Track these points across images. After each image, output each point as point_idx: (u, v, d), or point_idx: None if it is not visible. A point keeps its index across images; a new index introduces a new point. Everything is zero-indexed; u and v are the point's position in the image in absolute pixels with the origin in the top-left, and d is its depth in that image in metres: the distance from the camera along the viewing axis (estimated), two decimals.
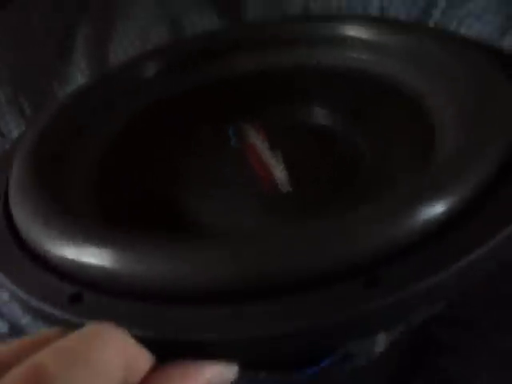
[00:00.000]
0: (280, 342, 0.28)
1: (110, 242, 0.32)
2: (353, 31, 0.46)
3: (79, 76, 0.71)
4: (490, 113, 0.35)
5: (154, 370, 0.27)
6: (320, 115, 0.46)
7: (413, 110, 0.41)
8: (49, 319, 0.31)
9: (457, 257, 0.28)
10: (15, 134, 0.69)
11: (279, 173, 0.40)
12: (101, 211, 0.38)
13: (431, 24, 0.64)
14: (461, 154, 0.33)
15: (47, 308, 0.31)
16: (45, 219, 0.35)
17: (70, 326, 0.29)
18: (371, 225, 0.30)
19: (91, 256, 0.32)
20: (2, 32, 0.75)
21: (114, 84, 0.48)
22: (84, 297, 0.31)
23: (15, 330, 0.54)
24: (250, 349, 0.28)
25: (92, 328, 0.27)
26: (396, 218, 0.30)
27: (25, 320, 0.54)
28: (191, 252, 0.31)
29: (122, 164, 0.43)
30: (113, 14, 0.74)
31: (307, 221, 0.31)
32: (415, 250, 0.29)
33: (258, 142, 0.43)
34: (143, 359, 0.27)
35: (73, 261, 0.33)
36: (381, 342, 0.37)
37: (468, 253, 0.28)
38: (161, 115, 0.47)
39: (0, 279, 0.34)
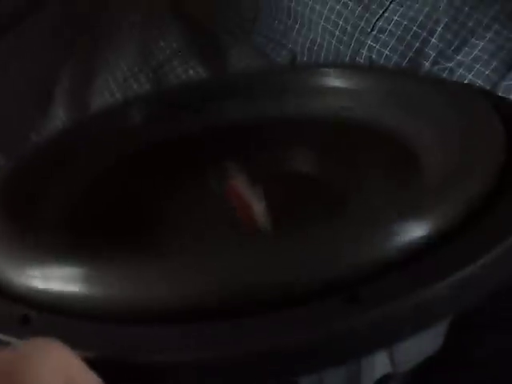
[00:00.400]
0: (236, 365, 0.26)
1: (57, 259, 0.31)
2: (338, 80, 0.45)
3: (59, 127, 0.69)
4: (474, 142, 0.34)
5: None
6: (305, 161, 0.45)
7: (398, 151, 0.40)
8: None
9: (436, 277, 0.27)
10: None
11: (259, 211, 0.38)
12: (67, 236, 0.37)
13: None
14: (442, 178, 0.33)
15: None
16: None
17: None
18: (349, 242, 0.29)
19: (39, 276, 0.31)
20: None
21: (97, 127, 0.46)
22: (32, 318, 0.29)
23: None
24: (205, 373, 0.26)
25: (31, 343, 0.24)
26: (374, 236, 0.29)
27: None
28: (148, 268, 0.29)
29: (98, 205, 0.41)
30: (94, 65, 0.73)
31: (282, 241, 0.30)
32: (395, 269, 0.28)
33: (241, 184, 0.41)
34: (88, 380, 0.24)
35: (21, 281, 0.31)
36: None
37: (444, 276, 0.27)
38: (141, 162, 0.45)
39: None
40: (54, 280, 0.30)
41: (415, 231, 0.29)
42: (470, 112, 0.37)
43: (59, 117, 0.70)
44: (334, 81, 0.46)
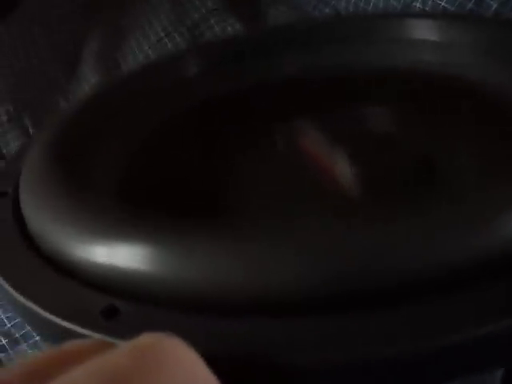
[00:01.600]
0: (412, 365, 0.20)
1: (152, 235, 0.25)
2: (414, 28, 0.41)
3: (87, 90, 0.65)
4: None
5: None
6: (383, 119, 0.40)
7: (494, 114, 0.35)
8: None
9: None
10: None
11: (344, 170, 0.33)
12: (128, 205, 0.30)
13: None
14: None
15: (75, 328, 0.23)
16: (63, 213, 0.28)
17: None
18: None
19: (128, 255, 0.25)
20: (1, 45, 0.69)
21: (148, 81, 0.42)
22: (121, 310, 0.24)
23: None
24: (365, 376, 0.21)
25: (147, 342, 0.18)
26: None
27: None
28: (267, 248, 0.23)
29: (154, 163, 0.36)
30: (124, 26, 0.68)
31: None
32: None
33: (314, 142, 0.36)
34: None
35: (103, 263, 0.25)
36: None
37: None
38: (201, 117, 0.40)
39: (6, 292, 0.27)
40: (148, 258, 0.25)
41: None
42: None
43: (88, 80, 0.66)
44: (409, 30, 0.41)
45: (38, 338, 0.42)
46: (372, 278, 0.22)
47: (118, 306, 0.24)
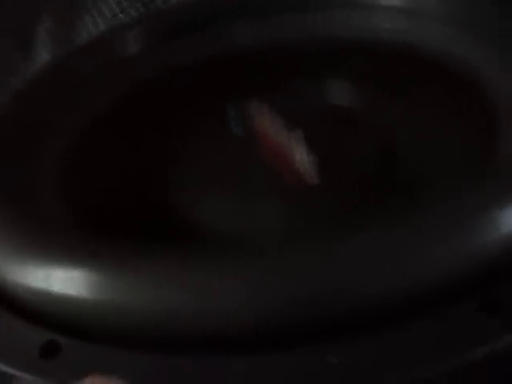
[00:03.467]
0: None
1: (100, 259, 0.23)
2: None
3: None
4: None
5: None
6: (344, 92, 0.38)
7: (464, 91, 0.33)
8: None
9: None
10: None
11: (303, 159, 0.31)
12: (76, 215, 0.28)
13: None
14: None
15: (7, 369, 0.21)
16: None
17: None
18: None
19: (70, 283, 0.23)
20: None
21: (92, 59, 0.39)
22: (62, 347, 0.21)
23: None
24: None
25: None
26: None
27: None
28: (211, 281, 0.22)
29: (102, 155, 0.34)
30: (77, 2, 0.66)
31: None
32: None
33: (268, 123, 0.34)
34: None
35: (42, 292, 0.23)
36: None
37: None
38: (149, 96, 0.38)
39: None
40: (98, 286, 0.22)
41: None
42: None
43: (43, 59, 0.63)
44: None
45: None
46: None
47: (59, 342, 0.22)
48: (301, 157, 0.32)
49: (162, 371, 0.20)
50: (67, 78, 0.37)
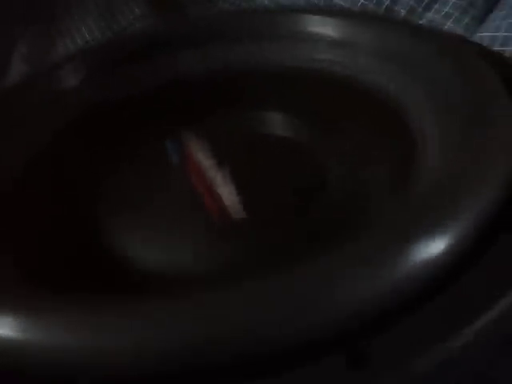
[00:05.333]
0: None
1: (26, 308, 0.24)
2: (318, 26, 0.39)
3: None
4: (487, 126, 0.28)
5: None
6: (277, 123, 0.39)
7: (389, 121, 0.34)
8: None
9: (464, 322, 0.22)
10: None
11: (229, 196, 0.33)
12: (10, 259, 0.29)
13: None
14: (456, 180, 0.26)
15: None
16: None
17: None
18: (354, 277, 0.22)
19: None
20: None
21: (31, 93, 0.40)
22: None
23: None
24: None
25: None
26: (389, 264, 0.23)
27: None
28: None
29: (37, 192, 0.35)
30: (52, 30, 0.68)
31: (264, 276, 0.23)
32: (410, 312, 0.22)
33: (202, 156, 0.36)
34: None
35: None
36: None
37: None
38: (87, 129, 0.38)
39: None
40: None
41: (436, 253, 0.23)
42: (476, 80, 0.31)
43: None
44: (312, 27, 0.39)
45: None
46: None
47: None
48: (228, 194, 0.33)
49: None
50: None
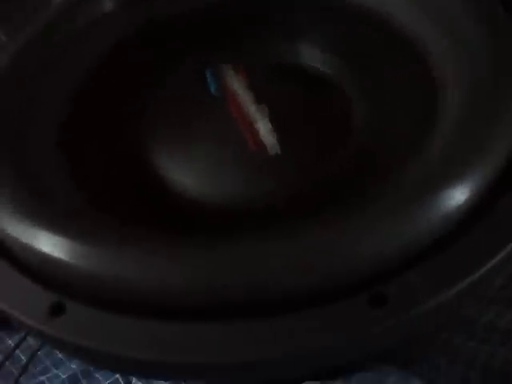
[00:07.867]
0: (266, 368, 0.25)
1: (100, 236, 0.27)
2: None
3: None
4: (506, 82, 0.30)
5: None
6: (309, 56, 0.41)
7: (415, 63, 0.35)
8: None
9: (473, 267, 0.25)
10: None
11: (267, 133, 0.36)
12: (72, 181, 0.33)
13: None
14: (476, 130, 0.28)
15: (24, 320, 0.26)
16: (9, 197, 0.30)
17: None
18: (375, 228, 0.25)
19: (74, 252, 0.27)
20: None
21: (63, 26, 0.40)
22: (66, 307, 0.26)
23: None
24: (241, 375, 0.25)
25: None
26: (407, 216, 0.26)
27: None
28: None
29: (86, 123, 0.37)
30: None
31: (298, 227, 0.27)
32: (427, 258, 0.25)
33: (241, 90, 0.38)
34: None
35: (49, 257, 0.27)
36: None
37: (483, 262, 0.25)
38: (126, 57, 0.40)
39: None
40: (95, 258, 0.26)
41: (455, 203, 0.26)
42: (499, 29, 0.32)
43: None
44: None
45: None
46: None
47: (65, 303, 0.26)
48: (264, 130, 0.36)
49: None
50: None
